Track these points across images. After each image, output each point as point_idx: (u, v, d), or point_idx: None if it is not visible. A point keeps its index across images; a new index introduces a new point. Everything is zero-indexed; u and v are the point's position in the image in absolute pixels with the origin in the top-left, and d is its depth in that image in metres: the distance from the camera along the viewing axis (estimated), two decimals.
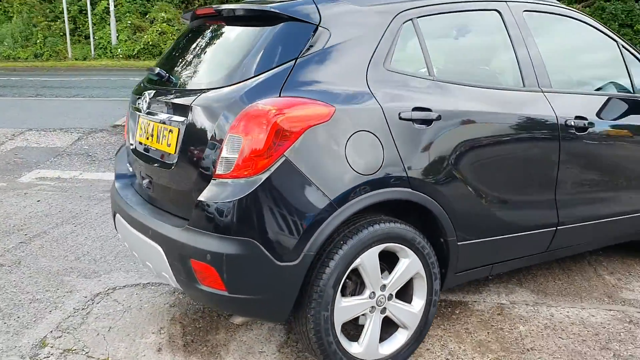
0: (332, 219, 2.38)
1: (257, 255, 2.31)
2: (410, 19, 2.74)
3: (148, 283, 3.66)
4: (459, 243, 2.80)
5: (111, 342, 2.97)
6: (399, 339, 2.72)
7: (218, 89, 2.48)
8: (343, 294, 2.55)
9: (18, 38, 21.93)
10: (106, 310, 3.30)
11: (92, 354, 2.86)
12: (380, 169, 2.48)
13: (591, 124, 3.18)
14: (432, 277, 2.72)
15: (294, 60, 2.45)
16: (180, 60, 2.98)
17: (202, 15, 2.98)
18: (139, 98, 3.02)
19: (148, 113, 2.83)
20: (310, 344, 2.51)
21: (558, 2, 3.41)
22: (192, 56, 2.94)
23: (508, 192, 2.95)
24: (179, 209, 2.62)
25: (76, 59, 21.27)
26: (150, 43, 21.09)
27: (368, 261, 2.52)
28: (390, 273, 2.67)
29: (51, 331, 3.08)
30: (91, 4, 21.86)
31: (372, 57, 2.58)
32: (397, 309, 2.68)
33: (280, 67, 2.43)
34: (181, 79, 2.83)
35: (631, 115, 3.46)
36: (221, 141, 2.36)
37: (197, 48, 2.95)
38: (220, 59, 2.75)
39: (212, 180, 2.39)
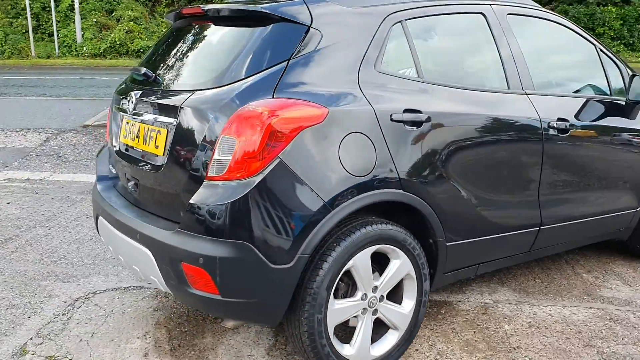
0: (326, 221, 2.37)
1: (251, 259, 2.29)
2: (400, 21, 2.75)
3: (129, 287, 3.59)
4: (447, 244, 2.82)
5: (95, 348, 2.90)
6: (390, 340, 2.73)
7: (209, 90, 2.45)
8: (335, 296, 2.54)
9: None
10: (88, 315, 3.23)
11: None
12: (373, 170, 2.48)
13: (572, 126, 3.25)
14: (422, 277, 2.74)
15: (286, 62, 2.43)
16: (167, 60, 2.93)
17: (188, 15, 2.93)
18: (123, 98, 2.96)
19: (134, 114, 2.77)
20: (303, 347, 2.50)
21: (540, 5, 3.47)
22: (179, 56, 2.89)
23: (494, 193, 2.99)
24: (168, 211, 2.57)
25: (40, 57, 20.81)
26: (117, 42, 20.73)
27: (361, 263, 2.52)
28: (380, 274, 2.67)
29: (31, 338, 2.99)
30: (55, 1, 21.39)
31: (362, 59, 2.59)
32: (388, 310, 2.68)
33: (272, 68, 2.41)
34: (169, 80, 2.78)
35: (608, 117, 3.54)
36: (213, 143, 2.33)
37: (185, 48, 2.90)
38: (210, 60, 2.71)
39: (203, 183, 2.35)
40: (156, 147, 2.62)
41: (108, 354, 2.86)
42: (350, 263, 2.49)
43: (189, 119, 2.44)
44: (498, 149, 2.96)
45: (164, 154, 2.57)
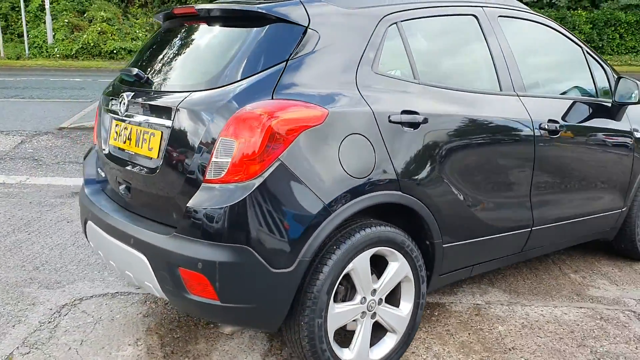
0: (326, 224, 2.34)
1: (252, 263, 2.25)
2: (395, 23, 2.74)
3: (117, 292, 3.51)
4: (444, 245, 2.82)
5: (85, 356, 2.82)
6: (388, 343, 2.71)
7: (205, 91, 2.40)
8: (334, 300, 2.51)
9: None
10: (75, 323, 3.14)
11: None
12: (372, 172, 2.46)
13: (562, 127, 3.28)
14: (420, 280, 2.73)
15: (284, 62, 2.40)
16: (159, 61, 2.87)
17: (180, 15, 2.88)
18: (113, 100, 2.90)
19: (126, 116, 2.71)
20: (303, 352, 2.46)
21: (529, 8, 3.50)
22: (172, 57, 2.84)
23: (489, 194, 2.99)
24: (162, 215, 2.52)
25: (9, 58, 20.33)
26: (90, 43, 20.39)
27: (360, 266, 2.49)
28: (377, 277, 2.65)
29: (17, 347, 2.90)
30: (24, 1, 20.95)
31: (360, 60, 2.57)
32: (387, 314, 2.66)
33: (271, 69, 2.38)
34: (162, 81, 2.72)
35: (595, 119, 3.59)
36: (211, 145, 2.28)
37: (177, 49, 2.84)
38: (205, 60, 2.66)
39: (201, 186, 2.30)
40: (150, 149, 2.56)
41: None
42: (350, 266, 2.46)
43: (185, 121, 2.39)
44: (492, 150, 2.97)
45: (158, 157, 2.51)
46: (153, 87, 2.69)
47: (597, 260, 4.19)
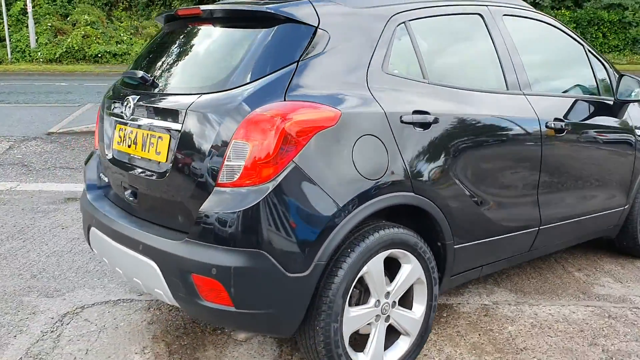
0: (342, 226, 2.30)
1: (267, 267, 2.20)
2: (404, 22, 2.71)
3: (119, 300, 3.44)
4: (455, 246, 2.79)
5: None
6: (401, 346, 2.68)
7: (216, 93, 2.35)
8: (349, 304, 2.47)
9: None
10: (79, 332, 3.07)
11: None
12: (386, 173, 2.43)
13: (567, 126, 3.27)
14: (432, 281, 2.70)
15: (295, 63, 2.36)
16: (163, 63, 2.81)
17: (184, 16, 2.82)
18: (115, 103, 2.84)
19: (131, 119, 2.65)
20: (318, 358, 2.42)
21: (532, 7, 3.50)
22: (177, 59, 2.78)
23: (499, 194, 2.98)
24: (172, 220, 2.46)
25: None
26: (74, 47, 20.15)
27: (374, 268, 2.46)
28: (389, 280, 2.62)
29: (21, 358, 2.82)
30: (6, 4, 20.66)
31: (370, 60, 2.54)
32: (400, 316, 2.63)
33: (282, 71, 2.33)
34: (169, 83, 2.66)
35: (598, 117, 3.59)
36: (224, 148, 2.23)
37: (183, 50, 2.79)
38: (214, 62, 2.61)
39: (214, 190, 2.26)
40: (157, 153, 2.50)
41: None
42: (365, 269, 2.42)
43: (195, 124, 2.34)
44: (501, 150, 2.96)
45: (166, 161, 2.46)
46: (159, 89, 2.63)
47: (599, 258, 4.19)
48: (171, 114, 2.44)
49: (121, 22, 22.14)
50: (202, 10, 2.63)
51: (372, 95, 2.47)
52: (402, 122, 2.51)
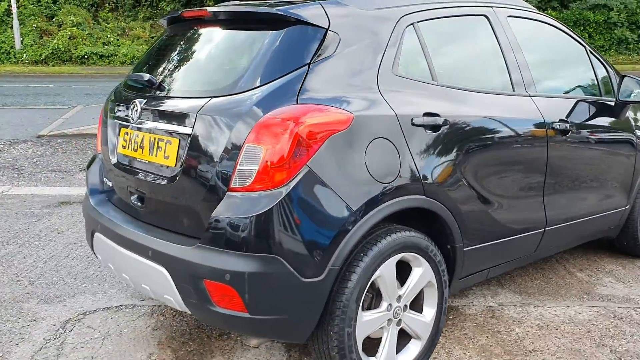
0: (355, 230, 2.28)
1: (282, 273, 2.18)
2: (412, 24, 2.70)
3: (121, 305, 3.39)
4: (464, 249, 2.78)
5: None
6: (413, 350, 2.66)
7: (227, 97, 2.32)
8: (361, 308, 2.45)
9: None
10: (82, 339, 3.02)
11: None
12: (398, 176, 2.42)
13: (572, 127, 3.28)
14: (443, 284, 2.69)
15: (307, 66, 2.33)
16: (170, 66, 2.77)
17: (190, 18, 2.78)
18: (120, 106, 2.79)
19: (138, 123, 2.61)
20: None
21: (535, 8, 3.50)
22: (184, 62, 2.75)
23: (506, 196, 2.97)
24: (182, 226, 2.43)
25: None
26: (60, 48, 19.95)
27: (387, 272, 2.44)
28: (400, 283, 2.60)
29: None
30: None
31: (380, 62, 2.52)
32: (411, 320, 2.62)
33: (293, 73, 2.31)
34: (177, 86, 2.62)
35: (602, 117, 3.61)
36: (236, 153, 2.20)
37: (189, 53, 2.75)
38: (223, 65, 2.58)
39: (226, 194, 2.22)
40: (166, 157, 2.47)
41: None
42: (377, 273, 2.40)
43: (206, 128, 2.30)
44: (509, 151, 2.96)
45: (175, 165, 2.42)
46: (167, 93, 2.59)
47: (600, 258, 4.21)
48: (181, 117, 2.40)
49: (108, 24, 21.94)
50: (209, 12, 2.59)
51: (383, 97, 2.45)
52: (413, 124, 2.50)
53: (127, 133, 2.72)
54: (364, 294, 2.40)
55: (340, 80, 2.40)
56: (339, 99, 2.33)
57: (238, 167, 2.20)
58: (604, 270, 3.98)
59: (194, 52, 2.76)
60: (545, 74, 3.39)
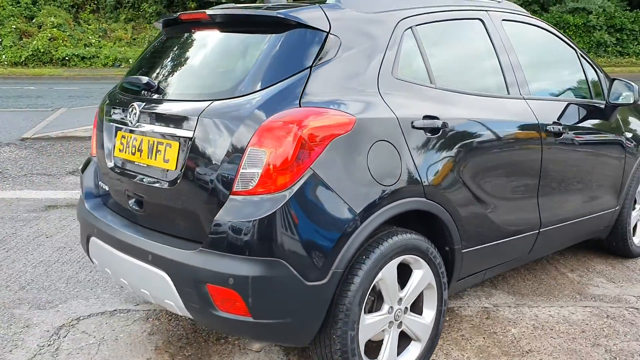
0: (358, 233, 2.28)
1: (286, 276, 2.17)
2: (410, 27, 2.71)
3: (115, 310, 3.35)
4: (463, 251, 2.80)
5: None
6: (413, 352, 2.67)
7: (229, 100, 2.31)
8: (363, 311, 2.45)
9: None
10: (77, 344, 2.98)
11: None
12: (399, 179, 2.42)
13: (565, 129, 3.31)
14: (442, 286, 2.70)
15: (309, 69, 2.33)
16: (168, 69, 2.75)
17: (187, 21, 2.77)
18: (115, 109, 2.77)
19: (136, 126, 2.58)
20: None
21: (528, 12, 3.54)
22: (183, 65, 2.73)
23: (502, 198, 2.99)
24: (183, 230, 2.41)
25: None
26: (40, 49, 19.70)
27: (388, 275, 2.45)
28: (400, 286, 2.60)
29: None
30: None
31: (381, 65, 2.52)
32: (412, 322, 2.62)
33: (296, 76, 2.30)
34: (176, 90, 2.60)
35: (593, 120, 3.66)
36: (239, 156, 2.19)
37: (188, 56, 2.74)
38: (223, 68, 2.57)
39: (229, 198, 2.21)
40: (165, 161, 2.45)
41: None
42: (379, 276, 2.41)
43: (208, 131, 2.29)
44: (506, 154, 2.98)
45: (176, 168, 2.40)
46: (166, 96, 2.57)
47: (590, 259, 4.26)
48: (181, 121, 2.38)
49: (89, 25, 21.73)
50: (208, 15, 2.58)
51: (383, 100, 2.46)
52: (413, 127, 2.51)
53: (124, 136, 2.70)
54: (367, 297, 2.40)
55: (342, 83, 2.40)
56: (340, 102, 2.33)
57: (241, 170, 2.19)
58: (594, 271, 4.03)
59: (193, 55, 2.74)
60: (538, 77, 3.43)
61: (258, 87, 2.29)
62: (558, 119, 3.32)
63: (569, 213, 3.51)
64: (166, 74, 2.73)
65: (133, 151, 2.62)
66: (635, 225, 4.25)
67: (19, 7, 21.36)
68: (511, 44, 3.19)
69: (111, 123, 2.81)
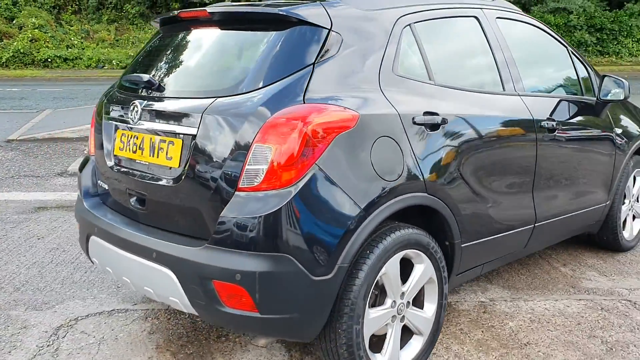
0: (363, 228, 2.30)
1: (293, 271, 2.18)
2: (409, 24, 2.74)
3: (113, 310, 3.34)
4: (462, 245, 2.83)
5: None
6: (415, 345, 2.70)
7: (232, 97, 2.32)
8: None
9: None
10: (77, 345, 2.96)
11: None
12: (402, 174, 2.45)
13: (558, 125, 3.37)
14: (443, 280, 2.73)
15: (311, 66, 2.35)
16: (168, 67, 2.74)
17: (187, 19, 2.76)
18: (114, 107, 2.76)
19: (136, 124, 2.58)
20: None
21: (521, 10, 3.59)
22: (183, 62, 2.72)
23: (500, 193, 3.03)
24: (187, 227, 2.41)
25: None
26: (21, 51, 19.47)
27: (391, 269, 2.47)
28: (402, 280, 2.63)
29: None
30: None
31: (381, 62, 2.55)
32: (414, 316, 2.65)
33: (299, 73, 2.32)
34: (178, 87, 2.60)
35: (585, 116, 3.72)
36: (244, 153, 2.20)
37: (188, 54, 2.74)
38: (225, 65, 2.57)
39: (235, 194, 2.22)
40: (168, 158, 2.45)
41: None
42: (383, 270, 2.43)
43: (212, 128, 2.29)
44: (503, 149, 3.02)
45: (179, 166, 2.40)
46: (168, 93, 2.57)
47: (581, 253, 4.33)
48: (185, 118, 2.39)
49: (71, 26, 21.52)
50: (208, 12, 2.58)
51: (385, 97, 2.48)
52: (414, 123, 2.53)
53: (124, 134, 2.69)
54: (371, 291, 2.42)
55: (344, 80, 2.42)
56: (343, 98, 2.35)
57: (246, 167, 2.19)
58: (586, 265, 4.10)
59: (194, 52, 2.74)
60: (531, 73, 3.47)
61: (261, 84, 2.30)
62: (551, 115, 3.37)
63: (562, 207, 3.56)
64: (167, 71, 2.73)
65: (134, 149, 2.62)
66: (625, 220, 4.33)
67: None
68: (505, 41, 3.23)
69: (110, 121, 2.80)
